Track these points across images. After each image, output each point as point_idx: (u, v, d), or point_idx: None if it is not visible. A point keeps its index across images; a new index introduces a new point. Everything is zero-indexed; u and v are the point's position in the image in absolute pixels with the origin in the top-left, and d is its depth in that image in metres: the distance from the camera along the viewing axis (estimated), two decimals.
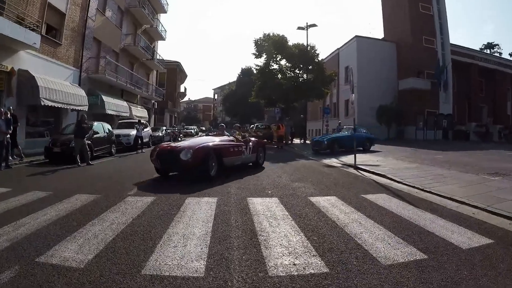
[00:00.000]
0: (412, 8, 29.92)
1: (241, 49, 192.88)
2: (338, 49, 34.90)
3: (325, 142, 15.01)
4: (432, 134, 27.08)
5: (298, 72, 25.67)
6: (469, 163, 10.07)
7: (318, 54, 25.48)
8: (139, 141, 15.71)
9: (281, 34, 24.85)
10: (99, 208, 4.50)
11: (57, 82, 13.72)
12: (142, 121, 17.80)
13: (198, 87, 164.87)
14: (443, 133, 28.27)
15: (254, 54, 25.63)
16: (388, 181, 7.39)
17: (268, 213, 4.32)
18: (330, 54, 36.53)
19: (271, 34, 24.80)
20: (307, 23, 23.89)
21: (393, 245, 3.17)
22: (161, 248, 3.02)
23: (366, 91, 28.10)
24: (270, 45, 24.36)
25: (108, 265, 2.66)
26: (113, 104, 19.03)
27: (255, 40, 25.17)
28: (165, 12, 30.69)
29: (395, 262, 2.78)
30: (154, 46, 29.29)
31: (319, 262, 2.75)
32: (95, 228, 3.58)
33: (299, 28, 23.97)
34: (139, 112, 24.15)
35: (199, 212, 4.33)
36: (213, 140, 7.88)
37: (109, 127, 14.13)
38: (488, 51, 46.33)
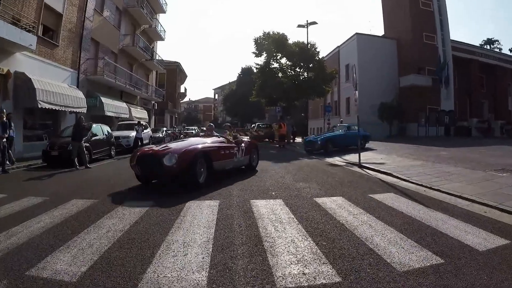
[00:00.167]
0: (412, 5, 29.78)
1: (241, 48, 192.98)
2: (338, 46, 34.71)
3: (319, 142, 14.42)
4: (434, 131, 26.97)
5: (298, 70, 25.47)
6: (474, 159, 10.00)
7: (318, 52, 25.28)
8: (139, 143, 15.52)
9: (281, 33, 24.70)
10: (95, 214, 4.31)
11: (54, 84, 13.54)
12: (142, 122, 17.61)
13: (199, 87, 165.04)
14: (445, 130, 28.16)
15: (254, 53, 25.41)
16: (394, 179, 7.23)
17: (273, 216, 4.13)
18: (331, 52, 36.35)
19: (271, 33, 24.59)
20: (307, 20, 23.72)
21: (407, 249, 3.00)
22: (160, 258, 2.82)
23: (366, 89, 27.85)
24: (270, 43, 24.16)
25: (102, 278, 2.47)
26: (112, 106, 18.84)
27: (255, 39, 24.94)
28: (164, 12, 30.49)
29: (411, 267, 2.61)
30: (153, 47, 29.11)
31: (331, 271, 2.55)
32: (90, 236, 3.39)
33: (299, 26, 23.76)
34: (139, 113, 23.97)
35: (200, 216, 4.13)
36: (202, 142, 7.05)
37: (108, 129, 13.96)
38: (488, 47, 46.11)
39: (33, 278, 2.48)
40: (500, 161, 9.50)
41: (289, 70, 25.52)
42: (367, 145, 15.74)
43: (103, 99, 17.74)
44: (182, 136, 29.98)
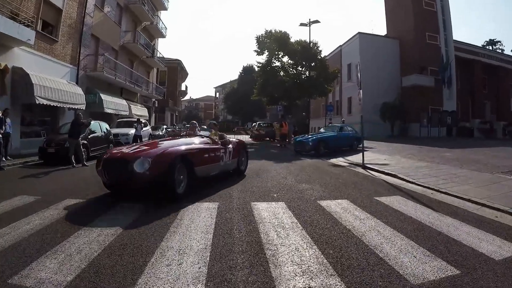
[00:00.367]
0: (415, 5, 29.56)
1: (242, 47, 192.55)
2: (340, 46, 34.45)
3: (310, 143, 13.46)
4: (436, 131, 26.79)
5: (300, 69, 25.15)
6: (479, 161, 9.86)
7: (320, 51, 24.96)
8: (138, 140, 15.30)
9: (283, 31, 24.36)
10: (87, 216, 4.08)
11: (53, 80, 13.31)
12: (141, 120, 17.41)
13: (200, 85, 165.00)
14: (447, 130, 27.97)
15: (256, 51, 25.07)
16: (400, 181, 7.02)
17: (275, 220, 3.90)
18: (333, 51, 36.09)
19: (273, 31, 24.27)
20: (309, 19, 23.42)
21: (419, 258, 2.79)
22: (153, 267, 2.60)
23: (368, 88, 27.51)
24: (272, 42, 23.84)
25: None
26: (112, 103, 18.60)
27: (256, 37, 24.60)
28: (165, 9, 30.28)
29: (425, 280, 2.41)
30: (154, 44, 28.85)
31: (339, 284, 2.34)
32: (80, 241, 3.17)
33: (301, 24, 23.45)
34: (139, 110, 23.74)
35: (197, 220, 3.91)
36: (183, 143, 6.01)
37: (107, 126, 13.71)
38: (490, 48, 45.86)
39: (15, 286, 2.28)
40: (505, 163, 9.37)
41: (291, 69, 25.22)
42: (367, 146, 15.38)
43: (103, 96, 17.50)
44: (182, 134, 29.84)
